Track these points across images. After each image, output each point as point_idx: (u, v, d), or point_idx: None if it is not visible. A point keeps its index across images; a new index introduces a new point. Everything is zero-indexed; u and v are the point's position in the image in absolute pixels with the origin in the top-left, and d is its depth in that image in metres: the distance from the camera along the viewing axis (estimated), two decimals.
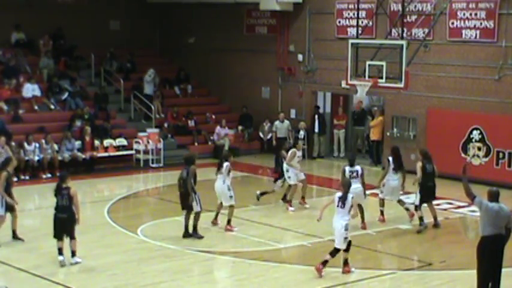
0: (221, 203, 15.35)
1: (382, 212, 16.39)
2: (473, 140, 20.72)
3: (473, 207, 17.81)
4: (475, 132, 20.70)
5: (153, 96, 25.05)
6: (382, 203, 16.42)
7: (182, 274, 12.47)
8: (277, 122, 21.97)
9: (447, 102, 21.29)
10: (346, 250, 12.47)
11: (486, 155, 20.52)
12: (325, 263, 12.37)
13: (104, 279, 12.18)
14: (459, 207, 17.93)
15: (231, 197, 15.08)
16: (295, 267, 13.00)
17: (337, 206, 12.51)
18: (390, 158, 16.22)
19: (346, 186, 12.53)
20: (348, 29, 22.98)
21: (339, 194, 12.55)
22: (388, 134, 22.59)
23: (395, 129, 22.44)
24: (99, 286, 11.97)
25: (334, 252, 12.42)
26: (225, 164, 15.10)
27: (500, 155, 20.25)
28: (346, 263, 12.56)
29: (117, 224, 15.76)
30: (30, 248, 13.91)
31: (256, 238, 14.76)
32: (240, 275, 12.52)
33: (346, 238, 12.36)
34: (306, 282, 12.29)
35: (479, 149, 20.63)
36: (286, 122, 21.97)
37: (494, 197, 10.94)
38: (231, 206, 15.13)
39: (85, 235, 14.92)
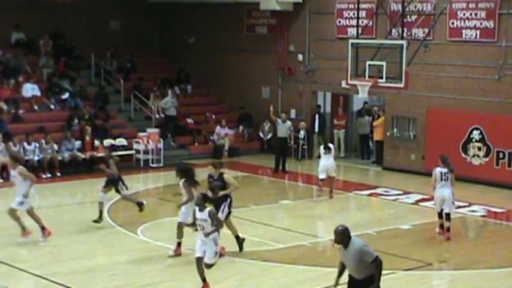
0: None
1: (442, 226, 15.13)
2: (474, 140, 20.72)
3: (473, 207, 17.87)
4: (475, 132, 20.69)
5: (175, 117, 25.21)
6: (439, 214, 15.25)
7: (182, 274, 12.47)
8: (279, 121, 21.91)
9: (447, 102, 21.29)
10: None
11: (486, 155, 20.52)
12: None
13: (104, 279, 12.17)
14: (459, 207, 17.89)
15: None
16: (295, 267, 13.00)
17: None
18: (438, 168, 14.92)
19: None
20: (348, 29, 22.98)
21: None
22: (388, 134, 22.60)
23: (395, 129, 22.44)
24: (99, 286, 11.96)
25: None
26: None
27: (501, 155, 20.24)
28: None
29: (117, 224, 15.75)
30: (31, 248, 13.90)
31: (256, 238, 14.74)
32: (240, 275, 12.51)
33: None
34: (305, 282, 12.29)
35: (479, 149, 20.63)
36: (288, 122, 21.91)
37: None
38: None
39: (85, 235, 14.97)
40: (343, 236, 9.43)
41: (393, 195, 19.23)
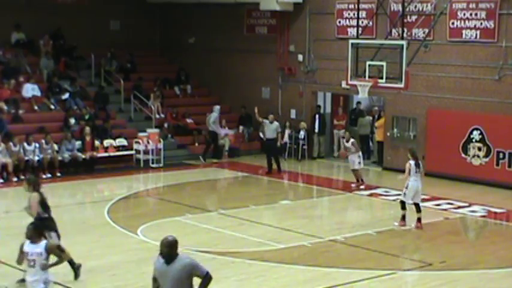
0: None
1: (404, 217, 15.85)
2: (474, 140, 20.71)
3: (473, 208, 17.87)
4: (475, 132, 20.69)
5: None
6: (404, 206, 15.87)
7: None
8: (266, 121, 21.84)
9: (447, 103, 21.29)
10: None
11: (486, 155, 20.52)
12: None
13: (104, 280, 12.17)
14: (459, 207, 17.92)
15: None
16: (295, 268, 12.99)
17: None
18: (412, 162, 15.69)
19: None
20: (348, 29, 22.98)
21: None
22: (388, 134, 22.59)
23: (395, 130, 22.44)
24: (99, 286, 11.97)
25: None
26: None
27: (501, 155, 20.23)
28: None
29: (117, 224, 15.75)
30: None
31: (256, 238, 14.75)
32: (240, 275, 12.51)
33: None
34: (306, 283, 12.29)
35: (479, 149, 20.63)
36: (276, 123, 21.80)
37: None
38: None
39: (85, 235, 14.96)
40: (171, 249, 7.98)
41: (393, 195, 19.22)
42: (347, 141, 19.90)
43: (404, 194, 15.74)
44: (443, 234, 15.63)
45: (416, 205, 15.72)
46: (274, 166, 21.90)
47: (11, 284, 11.64)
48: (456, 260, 13.67)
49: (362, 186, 19.83)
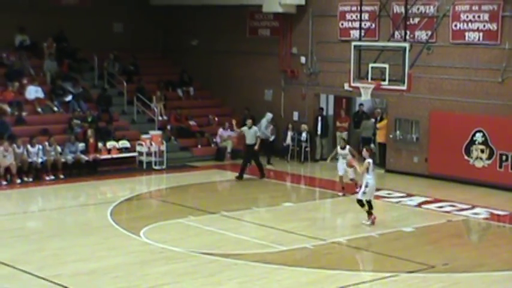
0: None
1: (369, 213, 16.19)
2: (477, 143, 20.70)
3: (476, 210, 17.85)
4: (478, 134, 20.67)
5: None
6: (362, 204, 16.21)
7: (185, 276, 12.47)
8: (244, 128, 21.66)
9: (450, 105, 21.28)
10: None
11: (489, 158, 20.50)
12: None
13: (106, 282, 12.18)
14: (462, 209, 17.91)
15: None
16: (297, 270, 12.99)
17: None
18: (371, 160, 16.20)
19: None
20: (351, 32, 22.98)
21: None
22: (391, 136, 22.58)
23: (398, 132, 22.43)
24: None
25: None
26: None
27: (504, 157, 20.21)
28: None
29: (120, 226, 15.76)
30: (33, 250, 13.92)
31: (259, 240, 14.76)
32: (242, 277, 12.52)
33: None
34: (308, 285, 12.28)
35: (482, 151, 20.61)
36: (254, 128, 21.64)
37: None
38: None
39: (88, 237, 14.99)
40: None
41: (396, 197, 19.23)
42: (342, 148, 19.10)
43: (364, 192, 16.01)
44: (446, 237, 15.63)
45: (370, 202, 16.10)
46: (242, 172, 21.36)
47: (13, 286, 11.65)
48: (459, 262, 13.66)
49: (340, 194, 19.13)
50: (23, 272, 12.53)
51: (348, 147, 19.18)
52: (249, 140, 21.44)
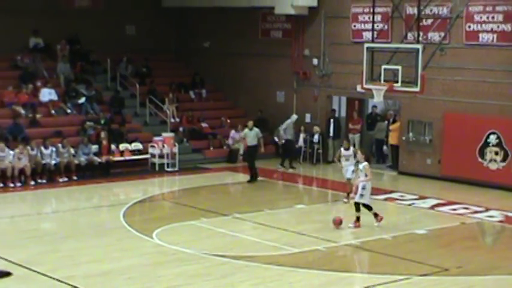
0: None
1: (358, 218, 16.01)
2: (490, 145, 20.60)
3: (490, 212, 17.76)
4: (492, 136, 20.57)
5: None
6: (359, 207, 16.03)
7: (197, 278, 12.48)
8: (246, 130, 21.58)
9: (464, 106, 21.18)
10: None
11: (503, 160, 20.39)
12: None
13: (120, 283, 12.22)
14: (476, 212, 17.82)
15: None
16: (310, 272, 12.97)
17: None
18: (366, 162, 16.03)
19: None
20: (364, 33, 22.94)
21: None
22: (403, 138, 22.52)
23: (410, 134, 22.36)
24: None
25: None
26: None
27: None
28: None
29: (133, 228, 15.79)
30: (48, 251, 13.99)
31: (271, 242, 14.75)
32: (254, 279, 12.51)
33: None
34: (321, 287, 12.27)
35: (496, 153, 20.50)
36: (255, 129, 21.55)
37: None
38: None
39: (101, 238, 15.04)
40: None
41: (409, 199, 19.16)
42: (346, 149, 18.57)
43: (362, 195, 15.85)
44: (459, 239, 15.56)
45: (368, 205, 15.99)
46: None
47: (28, 287, 11.71)
48: (473, 265, 13.59)
49: (345, 200, 18.48)
50: (37, 273, 12.59)
51: (352, 148, 18.81)
52: (250, 142, 21.36)
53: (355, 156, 17.92)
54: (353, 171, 18.03)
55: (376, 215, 16.06)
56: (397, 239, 15.27)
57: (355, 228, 15.82)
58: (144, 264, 13.24)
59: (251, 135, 21.30)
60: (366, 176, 15.85)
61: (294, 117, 24.06)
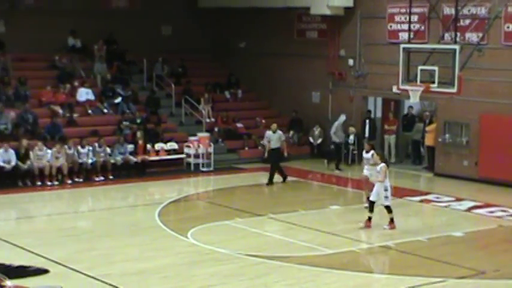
0: None
1: (392, 220, 15.90)
2: None
3: None
4: None
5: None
6: (390, 209, 15.90)
7: (232, 278, 12.52)
8: (269, 133, 21.24)
9: (501, 108, 20.90)
10: None
11: None
12: None
13: (155, 282, 12.31)
14: None
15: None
16: (344, 273, 12.93)
17: None
18: (383, 164, 15.77)
19: None
20: (400, 34, 22.79)
21: None
22: (440, 140, 22.31)
23: (447, 135, 22.14)
24: None
25: None
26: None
27: None
28: None
29: (168, 227, 15.90)
30: (84, 249, 14.15)
31: (306, 243, 14.73)
32: (289, 279, 12.51)
33: None
34: None
35: None
36: (279, 132, 21.35)
37: None
38: None
39: (136, 237, 15.17)
40: None
41: (445, 201, 18.98)
42: (367, 152, 17.65)
43: (387, 197, 15.69)
44: (497, 242, 15.37)
45: (389, 207, 15.82)
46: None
47: (65, 285, 11.85)
48: (510, 268, 13.40)
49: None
50: (74, 271, 12.75)
51: (372, 152, 17.31)
52: (274, 145, 21.07)
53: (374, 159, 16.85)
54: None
55: (370, 219, 15.88)
56: (432, 241, 15.14)
57: (391, 230, 15.72)
58: (179, 263, 13.33)
59: (274, 138, 21.10)
60: (385, 177, 15.61)
61: (342, 118, 23.88)
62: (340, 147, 23.60)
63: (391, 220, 15.83)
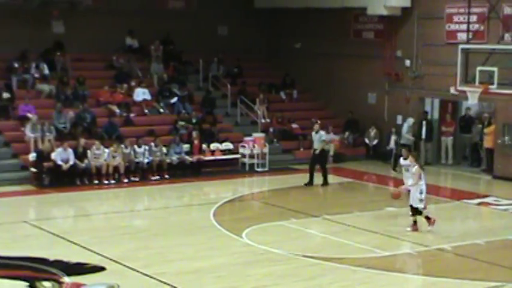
0: None
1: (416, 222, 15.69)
2: None
3: None
4: None
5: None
6: (420, 212, 15.67)
7: (286, 279, 12.51)
8: (312, 133, 20.96)
9: None
10: None
11: None
12: None
13: (209, 281, 12.38)
14: None
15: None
16: (400, 276, 12.79)
17: None
18: (417, 166, 15.52)
19: None
20: (458, 34, 22.42)
21: None
22: (499, 141, 21.87)
23: (506, 137, 21.68)
24: (204, 287, 12.18)
25: None
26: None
27: None
28: None
29: (223, 227, 15.98)
30: (140, 248, 14.33)
31: (361, 245, 14.62)
32: (343, 281, 12.44)
33: None
34: None
35: None
36: (321, 132, 20.99)
37: None
38: None
39: (191, 236, 15.29)
40: None
41: (504, 204, 18.58)
42: (404, 159, 16.17)
43: (421, 200, 15.39)
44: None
45: (419, 210, 15.54)
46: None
47: (121, 283, 12.03)
48: None
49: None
50: (130, 269, 12.92)
51: (410, 158, 15.97)
52: (315, 145, 20.87)
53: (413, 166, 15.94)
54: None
55: (415, 222, 15.64)
56: (491, 244, 14.86)
57: (431, 227, 15.60)
58: (233, 263, 13.38)
59: (315, 138, 20.97)
60: (420, 179, 15.35)
61: (410, 120, 23.49)
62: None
63: (415, 222, 15.59)
